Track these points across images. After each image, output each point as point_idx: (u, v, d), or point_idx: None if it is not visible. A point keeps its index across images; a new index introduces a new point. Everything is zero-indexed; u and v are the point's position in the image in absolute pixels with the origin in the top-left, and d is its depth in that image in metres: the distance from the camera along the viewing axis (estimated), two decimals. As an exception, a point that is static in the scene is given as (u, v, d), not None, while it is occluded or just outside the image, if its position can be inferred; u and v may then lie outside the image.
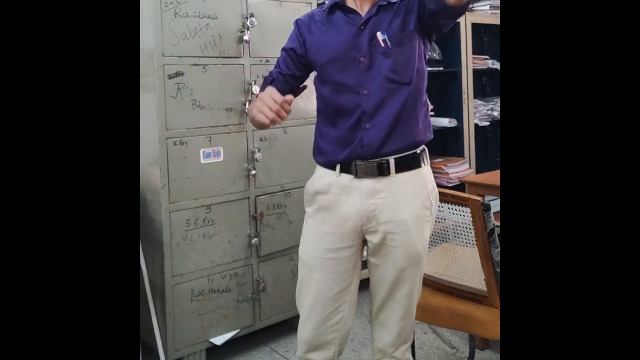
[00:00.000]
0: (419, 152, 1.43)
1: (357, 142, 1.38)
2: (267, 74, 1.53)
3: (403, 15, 1.37)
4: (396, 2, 1.39)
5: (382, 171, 1.38)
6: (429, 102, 1.49)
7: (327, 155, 1.43)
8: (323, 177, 1.44)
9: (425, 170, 1.44)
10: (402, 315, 1.44)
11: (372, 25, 1.37)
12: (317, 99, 1.48)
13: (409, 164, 1.40)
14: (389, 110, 1.36)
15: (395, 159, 1.38)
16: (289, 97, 1.28)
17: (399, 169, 1.38)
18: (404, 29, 1.37)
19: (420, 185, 1.41)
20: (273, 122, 1.28)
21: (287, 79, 1.49)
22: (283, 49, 1.51)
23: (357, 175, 1.39)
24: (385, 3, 1.39)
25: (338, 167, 1.41)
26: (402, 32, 1.36)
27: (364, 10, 1.40)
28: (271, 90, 1.30)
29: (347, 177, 1.40)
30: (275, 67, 1.52)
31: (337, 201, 1.41)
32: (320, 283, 1.42)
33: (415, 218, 1.39)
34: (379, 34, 1.36)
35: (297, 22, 1.49)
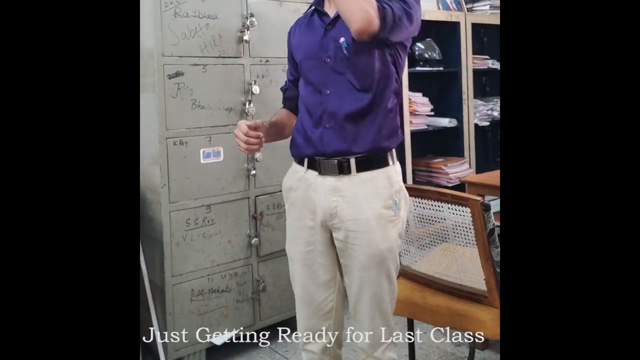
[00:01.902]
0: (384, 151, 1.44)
1: (317, 140, 1.41)
2: (283, 84, 1.63)
3: None
4: None
5: (343, 170, 1.40)
6: (397, 106, 1.48)
7: (298, 148, 1.47)
8: (295, 173, 1.49)
9: (391, 170, 1.44)
10: (372, 317, 1.44)
11: (338, 27, 1.39)
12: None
13: (372, 163, 1.41)
14: (347, 115, 1.38)
15: (356, 158, 1.39)
16: (254, 123, 1.39)
17: (360, 168, 1.40)
18: None
19: (383, 184, 1.41)
20: (249, 151, 1.43)
21: (297, 84, 1.55)
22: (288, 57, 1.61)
23: (320, 173, 1.42)
24: None
25: (306, 162, 1.45)
26: (357, 41, 1.35)
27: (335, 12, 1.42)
28: (239, 124, 1.40)
29: (312, 174, 1.43)
30: (287, 75, 1.62)
31: (305, 196, 1.45)
32: (305, 276, 1.48)
33: (377, 217, 1.39)
34: (341, 40, 1.38)
35: (290, 29, 1.57)
